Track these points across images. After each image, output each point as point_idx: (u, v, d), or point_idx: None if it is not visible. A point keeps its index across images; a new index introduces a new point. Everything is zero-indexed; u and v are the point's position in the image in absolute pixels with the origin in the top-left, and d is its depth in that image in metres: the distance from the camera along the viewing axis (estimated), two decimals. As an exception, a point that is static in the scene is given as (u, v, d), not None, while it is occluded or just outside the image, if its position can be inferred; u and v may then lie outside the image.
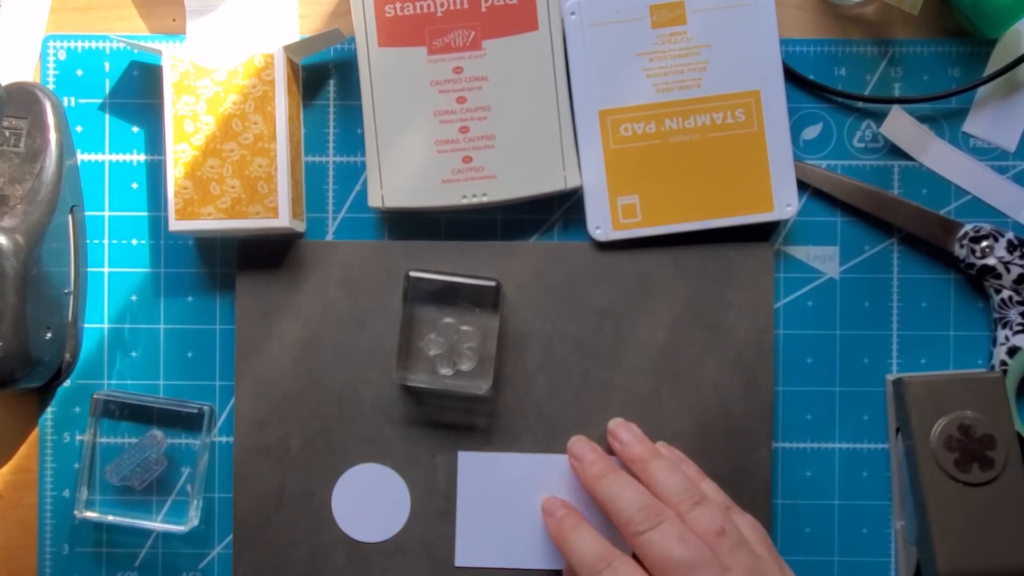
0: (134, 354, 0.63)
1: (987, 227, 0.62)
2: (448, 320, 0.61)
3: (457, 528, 0.62)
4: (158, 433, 0.63)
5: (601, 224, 0.62)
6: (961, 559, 0.58)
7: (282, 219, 0.60)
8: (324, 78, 0.64)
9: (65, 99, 0.64)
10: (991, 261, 0.62)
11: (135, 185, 0.64)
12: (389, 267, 0.63)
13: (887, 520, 0.63)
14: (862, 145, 0.64)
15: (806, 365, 0.63)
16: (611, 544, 0.55)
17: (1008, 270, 0.62)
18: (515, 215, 0.64)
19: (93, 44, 0.64)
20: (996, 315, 0.62)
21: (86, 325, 0.63)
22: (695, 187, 0.62)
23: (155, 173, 0.64)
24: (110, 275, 0.64)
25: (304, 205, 0.64)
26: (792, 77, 0.63)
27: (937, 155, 0.64)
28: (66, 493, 0.63)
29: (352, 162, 0.64)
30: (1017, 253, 0.62)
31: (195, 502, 0.63)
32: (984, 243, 0.62)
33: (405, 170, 0.62)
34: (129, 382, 0.63)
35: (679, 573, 0.51)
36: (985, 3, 0.61)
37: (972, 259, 0.62)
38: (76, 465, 0.63)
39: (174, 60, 0.60)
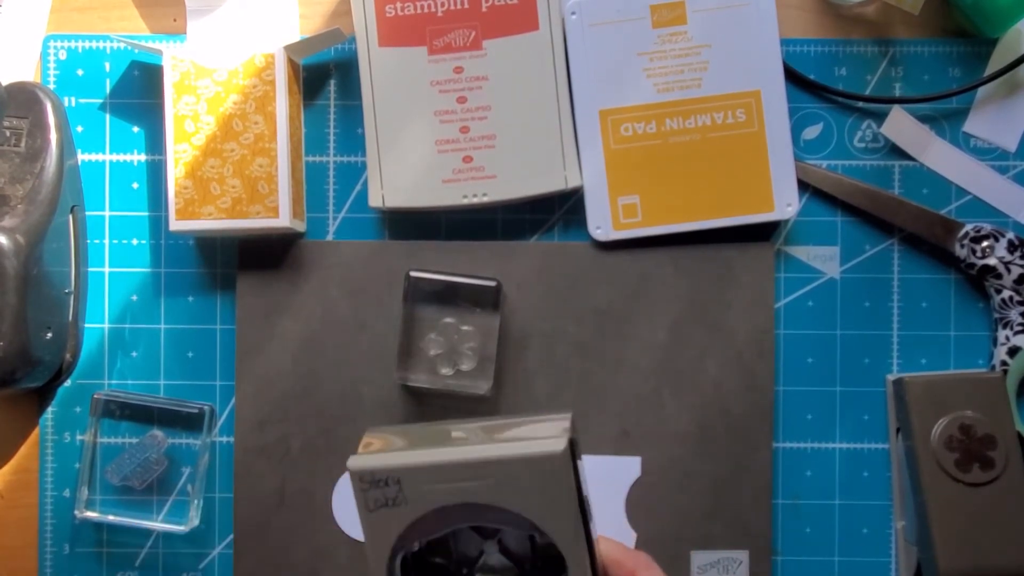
0: (134, 354, 0.63)
1: (988, 227, 0.62)
2: (449, 320, 0.61)
3: (457, 528, 0.62)
4: (158, 433, 0.63)
5: (602, 224, 0.62)
6: (962, 559, 0.58)
7: (283, 219, 0.60)
8: (324, 78, 0.64)
9: (66, 99, 0.63)
10: (992, 261, 0.62)
11: (136, 185, 0.64)
12: (389, 267, 0.62)
13: (887, 520, 0.63)
14: (863, 145, 0.64)
15: (806, 365, 0.63)
16: None
17: (1009, 270, 0.62)
18: (516, 215, 0.64)
19: (94, 44, 0.64)
20: (997, 315, 0.62)
21: (87, 325, 0.63)
22: (696, 187, 0.62)
23: (156, 173, 0.64)
24: (111, 275, 0.64)
25: (304, 205, 0.64)
26: (792, 77, 0.63)
27: (938, 155, 0.64)
28: (66, 493, 0.63)
29: (352, 162, 0.64)
30: (1018, 253, 0.62)
31: (195, 502, 0.63)
32: (985, 243, 0.62)
33: (405, 170, 0.61)
34: (130, 382, 0.63)
35: None
36: (985, 3, 0.61)
37: (973, 259, 0.62)
38: (76, 465, 0.63)
39: (175, 60, 0.60)
